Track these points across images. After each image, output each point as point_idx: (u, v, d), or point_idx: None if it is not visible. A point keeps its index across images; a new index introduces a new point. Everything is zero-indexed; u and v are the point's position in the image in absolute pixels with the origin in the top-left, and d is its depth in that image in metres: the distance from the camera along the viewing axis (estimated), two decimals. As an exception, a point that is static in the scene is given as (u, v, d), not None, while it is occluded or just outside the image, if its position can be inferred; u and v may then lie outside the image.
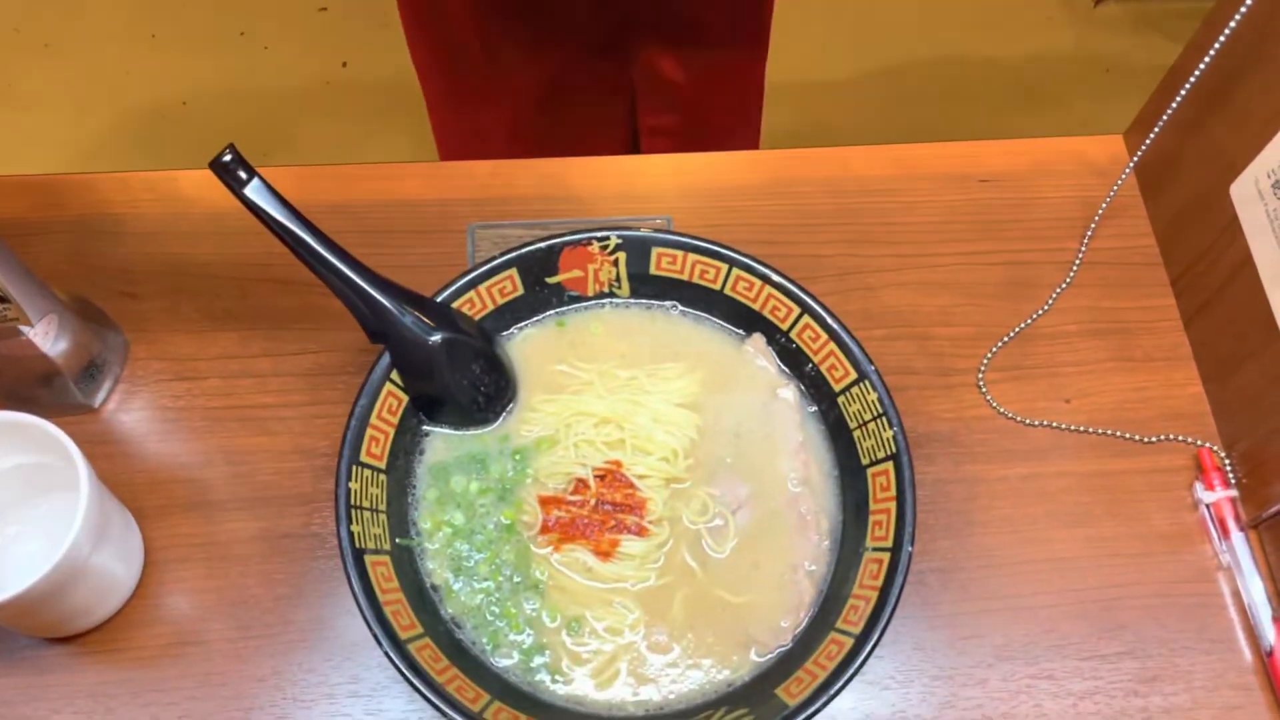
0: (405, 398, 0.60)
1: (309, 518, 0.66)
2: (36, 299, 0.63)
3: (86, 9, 2.04)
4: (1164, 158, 0.77)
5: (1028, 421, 0.71)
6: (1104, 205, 0.77)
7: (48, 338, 0.64)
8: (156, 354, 0.71)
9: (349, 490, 0.56)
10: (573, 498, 0.60)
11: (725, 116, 1.15)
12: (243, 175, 0.56)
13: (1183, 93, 0.70)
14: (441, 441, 0.62)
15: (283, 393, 0.70)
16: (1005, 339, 0.74)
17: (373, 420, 0.59)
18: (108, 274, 0.73)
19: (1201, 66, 0.68)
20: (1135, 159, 0.75)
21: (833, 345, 0.61)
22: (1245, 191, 0.68)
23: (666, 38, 1.03)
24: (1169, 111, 0.71)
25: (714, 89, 1.10)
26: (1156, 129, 0.73)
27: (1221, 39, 0.66)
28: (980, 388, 0.72)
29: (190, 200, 0.76)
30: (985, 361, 0.73)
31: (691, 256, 0.63)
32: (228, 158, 0.56)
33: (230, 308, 0.72)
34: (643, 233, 0.62)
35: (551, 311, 0.65)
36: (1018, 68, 2.03)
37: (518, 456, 0.61)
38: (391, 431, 0.60)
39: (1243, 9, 0.64)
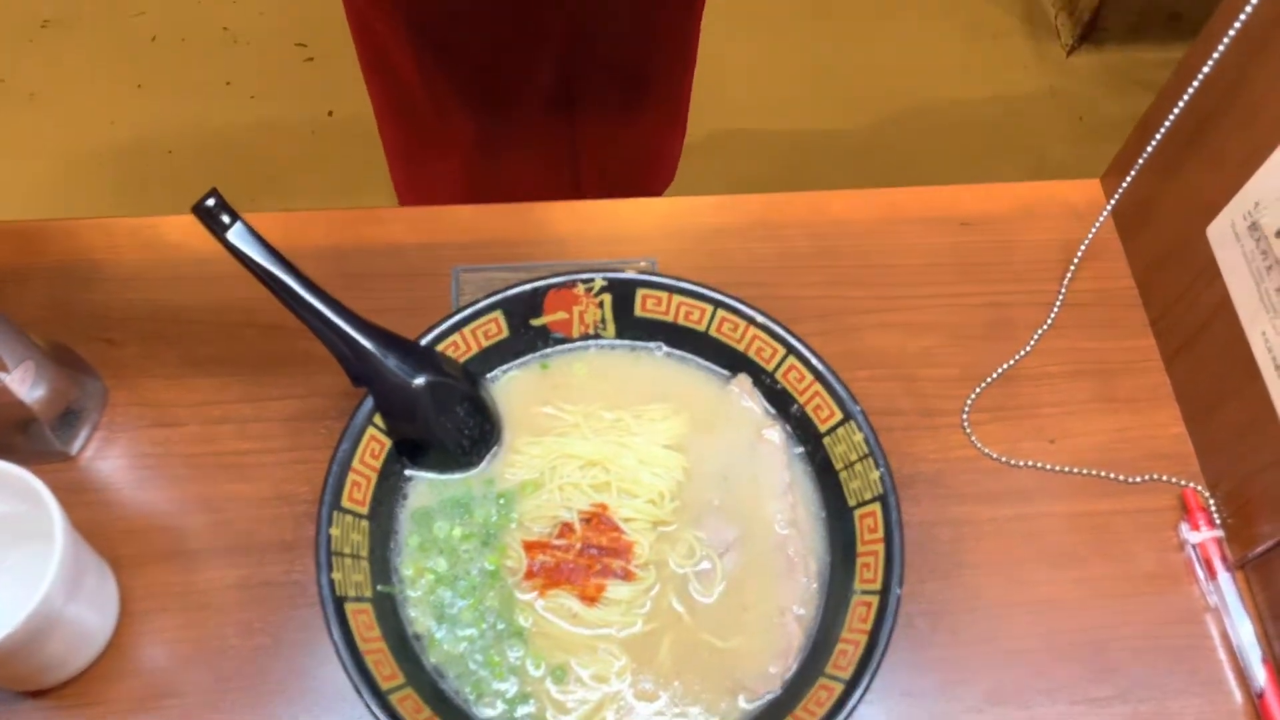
0: (388, 442, 0.60)
1: (290, 565, 0.65)
2: (13, 345, 0.62)
3: (72, 60, 2.05)
4: (1141, 201, 0.77)
5: (1012, 462, 0.71)
6: (1082, 248, 0.77)
7: (24, 384, 0.63)
8: (136, 400, 0.70)
9: (329, 536, 0.56)
10: (558, 542, 0.59)
11: (651, 156, 1.19)
12: (225, 219, 0.56)
13: (1158, 137, 0.71)
14: (425, 486, 0.61)
15: (264, 438, 0.69)
16: (988, 380, 0.74)
17: (354, 465, 0.58)
18: (87, 320, 0.72)
19: (1175, 111, 0.69)
20: (1112, 202, 0.75)
21: (818, 386, 0.61)
22: (1221, 233, 0.68)
23: (607, 92, 1.06)
24: (1145, 155, 0.72)
25: (647, 135, 1.14)
26: (1133, 173, 0.73)
27: (1195, 84, 0.67)
28: (965, 429, 0.72)
29: (172, 246, 0.76)
30: (969, 402, 0.73)
31: (676, 298, 0.63)
32: (210, 202, 0.56)
33: (212, 353, 0.72)
34: (627, 275, 0.63)
35: (536, 354, 0.65)
36: (993, 115, 2.06)
37: (502, 500, 0.61)
38: (374, 476, 0.59)
39: (1215, 55, 0.65)
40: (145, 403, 0.70)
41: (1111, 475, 0.71)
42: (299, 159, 1.92)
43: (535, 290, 0.62)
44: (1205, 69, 0.65)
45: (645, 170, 1.22)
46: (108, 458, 0.68)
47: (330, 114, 1.98)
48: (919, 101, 2.08)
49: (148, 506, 0.67)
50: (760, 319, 0.62)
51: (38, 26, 2.08)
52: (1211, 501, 0.70)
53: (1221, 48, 0.64)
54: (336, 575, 0.55)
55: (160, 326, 0.73)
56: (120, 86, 2.01)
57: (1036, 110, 2.08)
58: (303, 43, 2.06)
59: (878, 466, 0.59)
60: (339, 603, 0.54)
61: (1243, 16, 0.62)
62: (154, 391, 0.70)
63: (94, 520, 0.66)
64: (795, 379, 0.62)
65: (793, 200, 0.80)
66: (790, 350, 0.62)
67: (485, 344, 0.63)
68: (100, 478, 0.68)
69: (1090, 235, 0.77)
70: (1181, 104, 0.68)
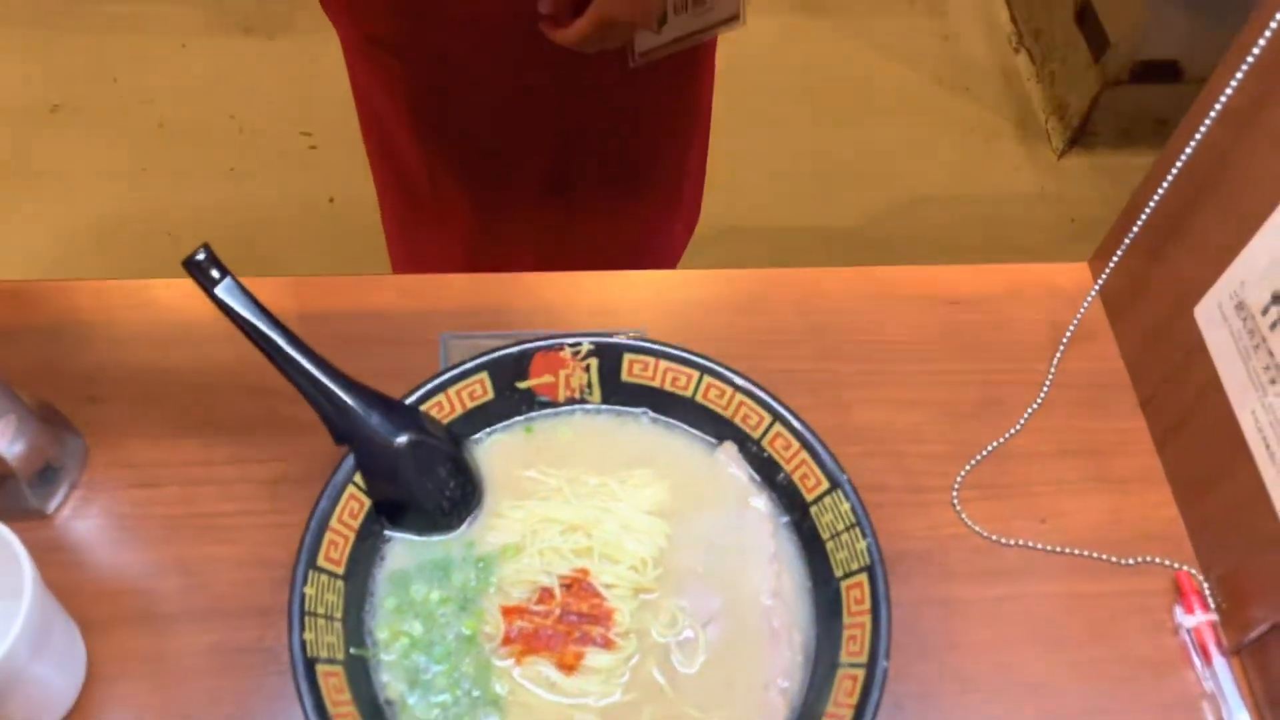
0: (368, 502, 0.59)
1: (263, 631, 0.63)
2: (-4, 397, 0.62)
3: (79, 143, 2.08)
4: (1128, 283, 0.78)
5: (1004, 541, 0.70)
6: (1070, 329, 0.78)
7: (3, 438, 0.63)
8: (117, 460, 0.69)
9: (304, 595, 0.54)
10: (536, 607, 0.58)
11: (649, 243, 1.20)
12: (215, 274, 0.56)
13: (1142, 219, 0.72)
14: (403, 548, 0.60)
15: (244, 500, 0.68)
16: (978, 457, 0.73)
17: (333, 524, 0.57)
18: (73, 379, 0.72)
19: (1158, 195, 0.70)
20: (1098, 284, 0.76)
21: (804, 454, 0.61)
22: (1209, 313, 0.69)
23: (604, 180, 1.08)
24: (1129, 237, 0.73)
25: (646, 217, 1.15)
26: (1118, 254, 0.74)
27: (1175, 168, 0.68)
28: (955, 506, 0.71)
29: (163, 308, 0.76)
30: (959, 479, 0.72)
31: (663, 363, 0.63)
32: (201, 256, 0.56)
33: (196, 414, 0.71)
34: (614, 339, 0.63)
35: (521, 417, 0.64)
36: (985, 214, 2.09)
37: (481, 564, 0.59)
38: (352, 536, 0.58)
39: (1195, 139, 0.66)
40: (126, 463, 0.69)
41: (1104, 556, 0.70)
42: (298, 242, 1.94)
43: (522, 353, 0.62)
44: (1188, 150, 0.67)
45: (643, 256, 1.23)
46: (85, 517, 0.67)
47: (331, 200, 2.01)
48: (912, 198, 2.11)
49: (122, 568, 0.66)
50: (746, 385, 0.62)
51: (48, 110, 2.13)
52: (1205, 585, 0.69)
53: (1200, 132, 0.65)
54: (309, 635, 0.53)
55: (146, 387, 0.72)
56: (124, 169, 2.04)
57: (1028, 211, 2.12)
58: (307, 131, 2.10)
59: (865, 536, 0.58)
60: (310, 664, 0.52)
61: (1219, 104, 0.64)
62: (136, 452, 0.70)
63: (66, 580, 0.64)
64: (782, 446, 0.62)
65: (783, 277, 0.80)
66: (777, 417, 0.62)
67: (470, 405, 0.62)
68: (75, 538, 0.67)
69: (1078, 317, 0.77)
70: (1164, 187, 0.70)
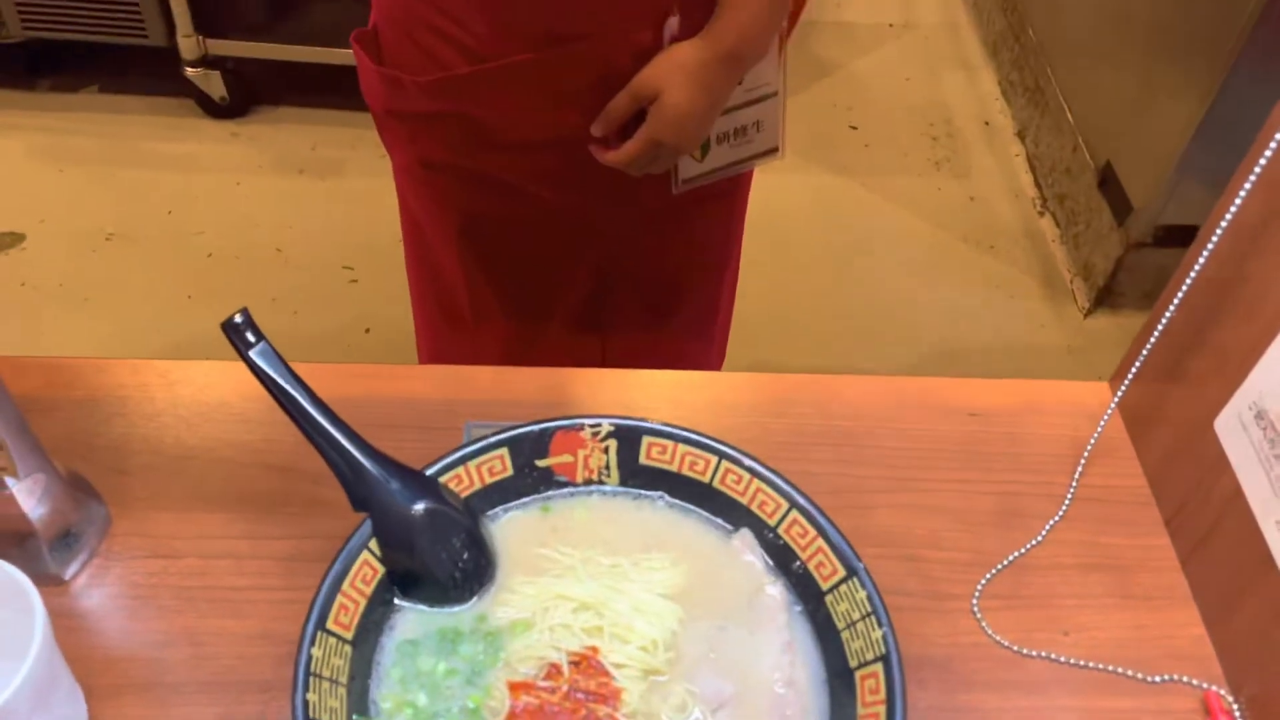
0: (381, 569, 0.59)
1: (265, 706, 0.62)
2: (29, 456, 0.63)
3: (130, 270, 2.16)
4: (1148, 400, 0.78)
5: (1025, 652, 0.68)
6: (1090, 444, 0.78)
7: (31, 496, 0.64)
8: (137, 530, 0.70)
9: (310, 656, 0.54)
10: (544, 684, 0.57)
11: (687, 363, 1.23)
12: (250, 338, 0.58)
13: (1157, 332, 0.73)
14: (413, 617, 0.60)
15: (258, 575, 0.68)
16: (999, 566, 0.72)
17: (345, 587, 0.57)
18: (103, 450, 0.73)
19: (1172, 308, 0.71)
20: (1117, 398, 0.77)
21: (821, 541, 0.60)
22: (1229, 425, 0.69)
23: (641, 309, 1.11)
24: (1146, 350, 0.74)
25: (680, 346, 1.17)
26: (1135, 368, 0.75)
27: (1188, 281, 0.69)
28: (975, 614, 0.70)
29: (197, 386, 0.78)
30: (979, 588, 0.71)
31: (681, 448, 0.63)
32: (239, 319, 0.58)
33: (219, 489, 0.72)
34: (634, 421, 0.63)
35: (538, 496, 0.65)
36: (1012, 370, 2.10)
37: (490, 638, 0.59)
38: (363, 602, 0.58)
39: (1206, 252, 0.68)
40: (146, 533, 0.70)
41: (1129, 673, 0.68)
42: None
43: (542, 431, 0.63)
44: (1197, 266, 0.68)
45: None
46: (101, 585, 0.67)
47: (367, 330, 2.06)
48: (938, 351, 2.13)
49: (132, 636, 0.65)
50: (764, 472, 0.62)
51: (103, 238, 2.21)
52: (1235, 705, 0.67)
53: (1211, 245, 0.67)
54: (312, 697, 0.53)
55: (174, 462, 0.74)
56: (171, 296, 2.11)
57: (1056, 367, 2.12)
58: (350, 265, 2.17)
59: (880, 625, 0.57)
60: (311, 726, 0.52)
61: (1228, 216, 0.65)
62: (156, 523, 0.70)
63: (77, 646, 0.64)
64: (798, 534, 0.61)
65: (806, 381, 0.81)
66: (793, 504, 0.62)
67: (489, 481, 0.63)
68: (90, 605, 0.67)
69: (1098, 432, 0.77)
70: (1176, 301, 0.71)
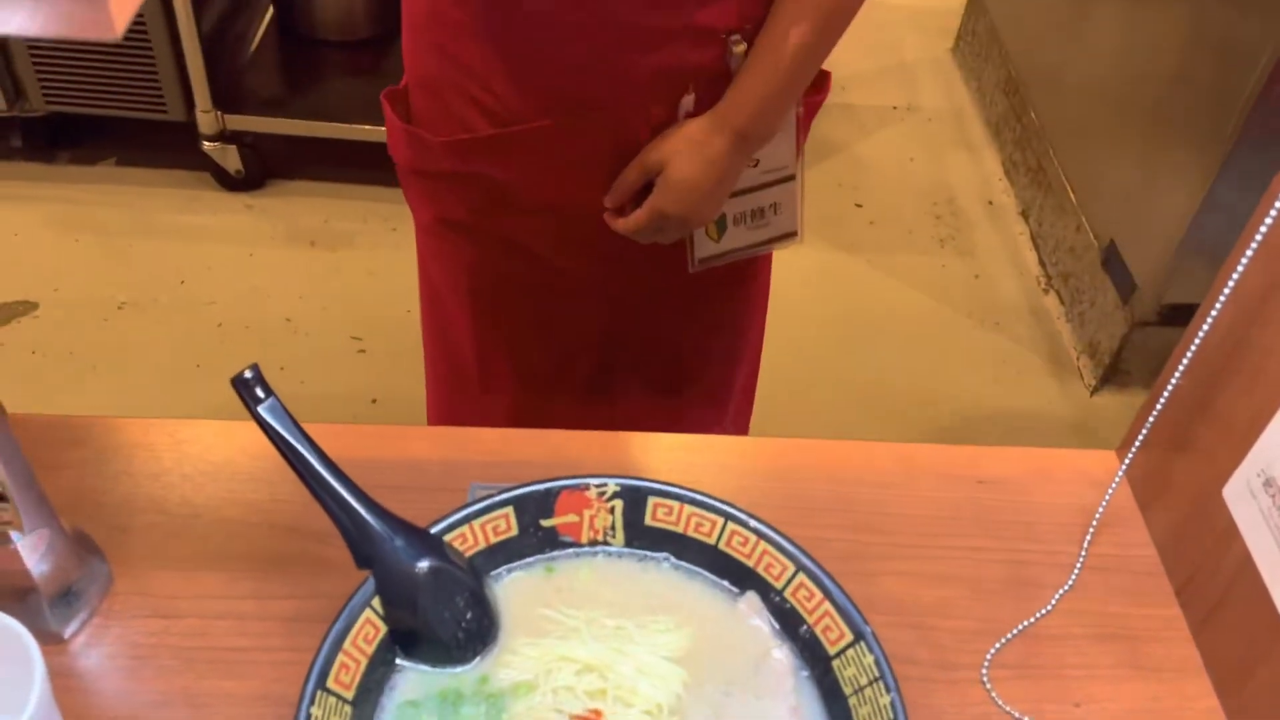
0: (384, 629, 0.59)
1: (262, 769, 0.61)
2: (35, 511, 0.63)
3: (140, 339, 2.18)
4: (1156, 469, 0.78)
5: (1036, 723, 0.67)
6: (1099, 513, 0.77)
7: (35, 552, 0.64)
8: (138, 589, 0.69)
9: (310, 715, 0.53)
10: (547, 747, 0.56)
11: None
12: (260, 394, 0.59)
13: (1162, 400, 0.73)
14: (415, 678, 0.59)
15: (260, 636, 0.67)
16: (1009, 636, 0.71)
17: (346, 646, 0.57)
18: (108, 508, 0.73)
19: (1176, 375, 0.71)
20: (1123, 468, 0.76)
21: (828, 605, 0.60)
22: (1238, 493, 0.69)
23: (648, 384, 1.12)
24: (1151, 419, 0.74)
25: (690, 423, 1.17)
26: (1141, 436, 0.75)
27: (1192, 349, 0.70)
28: (985, 684, 0.69)
29: (204, 445, 0.78)
30: (989, 657, 0.70)
31: (687, 509, 0.63)
32: (249, 374, 0.59)
33: (222, 548, 0.72)
34: (640, 482, 0.63)
35: (542, 556, 0.64)
36: (1020, 444, 2.09)
37: (493, 700, 0.58)
38: (364, 661, 0.57)
39: (1209, 320, 0.68)
40: (147, 592, 0.69)
41: (1143, 746, 0.67)
42: (338, 439, 1.97)
43: (548, 491, 0.63)
44: (1201, 333, 0.69)
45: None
46: (100, 644, 0.67)
47: (374, 401, 2.07)
48: (943, 426, 2.13)
49: (130, 696, 0.64)
50: (770, 534, 0.62)
51: (115, 307, 2.24)
52: (1253, 780, 0.65)
53: (1214, 314, 0.68)
54: (311, 757, 0.52)
55: (178, 521, 0.73)
56: (179, 366, 2.12)
57: (1061, 444, 2.10)
58: (358, 336, 2.18)
59: (889, 690, 0.56)
60: (309, 787, 0.51)
61: (1229, 285, 0.66)
62: (158, 582, 0.70)
63: (74, 705, 0.63)
64: (804, 597, 0.61)
65: (813, 447, 0.81)
66: (800, 567, 0.61)
67: (493, 540, 0.63)
68: (88, 664, 0.66)
69: (1105, 501, 0.77)
70: (1180, 369, 0.71)
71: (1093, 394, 2.22)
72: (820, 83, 0.99)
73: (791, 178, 1.00)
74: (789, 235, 1.04)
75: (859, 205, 2.64)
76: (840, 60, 3.23)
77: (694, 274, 1.00)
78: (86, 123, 2.42)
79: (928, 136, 2.91)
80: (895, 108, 3.00)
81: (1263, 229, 0.62)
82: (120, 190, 2.46)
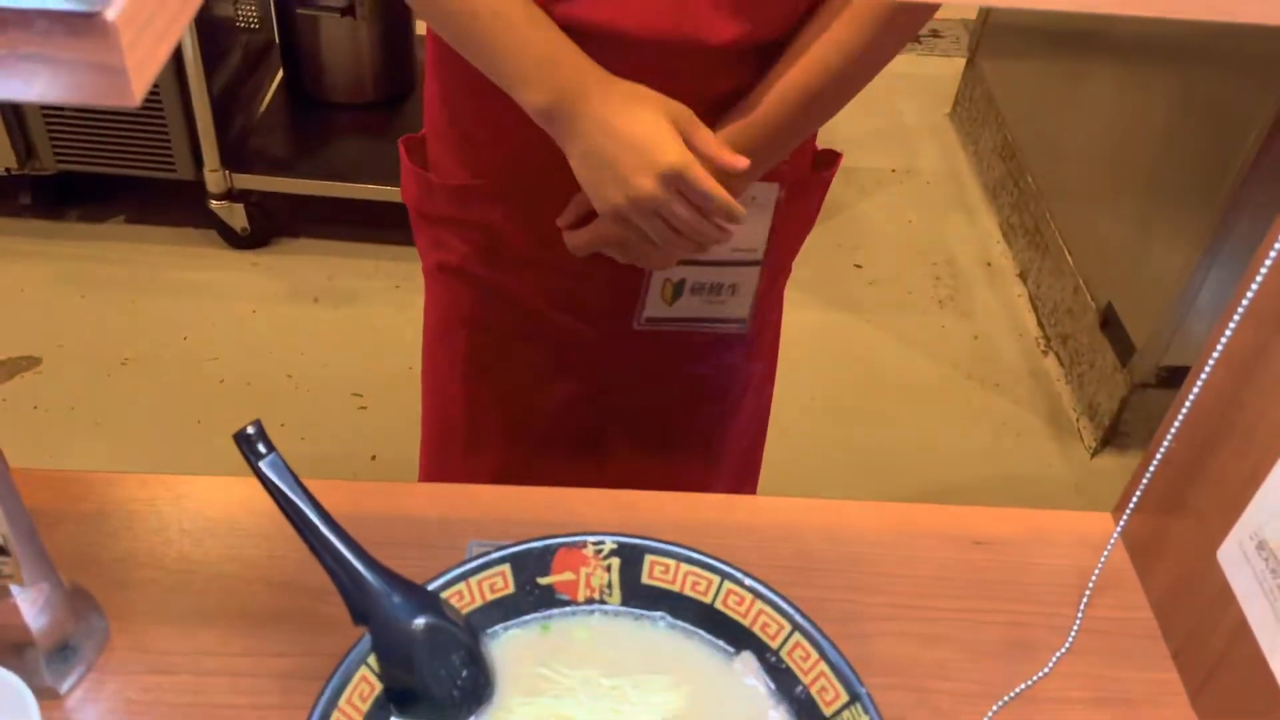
0: (378, 687, 0.59)
1: (256, 829, 0.61)
2: (35, 564, 0.63)
3: (142, 395, 2.19)
4: (1151, 531, 0.78)
5: (1034, 787, 0.67)
6: (1095, 575, 0.77)
7: (34, 605, 0.64)
8: (135, 644, 0.69)
9: (305, 773, 0.53)
10: (541, 808, 0.56)
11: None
12: (261, 449, 0.59)
13: (1156, 462, 0.73)
14: (410, 736, 0.59)
15: (255, 693, 0.67)
16: (1006, 699, 0.71)
17: (341, 704, 0.57)
18: (107, 563, 0.74)
19: (1170, 437, 0.72)
20: (1118, 530, 0.77)
21: (823, 665, 0.60)
22: (1232, 555, 0.69)
23: (635, 441, 1.12)
24: (1145, 481, 0.74)
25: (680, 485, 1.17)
26: (1135, 498, 0.75)
27: (1184, 411, 0.70)
28: (982, 747, 0.69)
29: (204, 501, 0.78)
30: (986, 720, 0.70)
31: (684, 567, 0.64)
32: (251, 430, 0.60)
33: (219, 604, 0.72)
34: (637, 539, 0.64)
35: (538, 614, 0.64)
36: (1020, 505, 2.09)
37: (487, 759, 0.58)
38: (359, 719, 0.57)
39: (1199, 383, 0.69)
40: (144, 648, 0.69)
41: (1142, 812, 0.66)
42: (338, 496, 1.97)
43: (545, 548, 0.63)
44: (1191, 397, 0.69)
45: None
46: (96, 699, 0.67)
47: (373, 458, 2.07)
48: (942, 488, 2.13)
49: (122, 754, 0.64)
50: (766, 593, 0.62)
51: (119, 363, 2.25)
52: None
53: (1203, 377, 0.68)
54: (304, 816, 0.52)
55: (177, 576, 0.74)
56: (180, 422, 2.13)
57: (1062, 506, 2.11)
58: (359, 393, 2.19)
59: (884, 752, 0.56)
60: (301, 846, 0.50)
61: (1218, 349, 0.67)
62: (155, 638, 0.70)
63: (64, 762, 0.63)
64: (800, 657, 0.61)
65: (810, 506, 0.82)
66: (796, 627, 0.61)
67: (490, 597, 0.63)
68: (85, 719, 0.66)
69: (1101, 563, 0.77)
70: (1173, 432, 0.72)
71: (1093, 456, 2.22)
72: (829, 160, 1.00)
73: (757, 263, 0.97)
74: (737, 322, 1.02)
75: (858, 266, 2.67)
76: (840, 123, 3.27)
77: (678, 336, 1.00)
78: (96, 181, 2.46)
79: (926, 199, 2.95)
80: (894, 170, 3.04)
81: (1249, 293, 0.63)
82: (128, 247, 2.49)
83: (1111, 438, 2.22)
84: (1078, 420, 2.30)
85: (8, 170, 2.40)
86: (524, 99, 0.80)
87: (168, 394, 2.18)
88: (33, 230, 2.52)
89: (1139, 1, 0.42)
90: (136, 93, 0.34)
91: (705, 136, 0.80)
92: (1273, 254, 0.61)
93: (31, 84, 0.33)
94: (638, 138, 0.77)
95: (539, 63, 0.78)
